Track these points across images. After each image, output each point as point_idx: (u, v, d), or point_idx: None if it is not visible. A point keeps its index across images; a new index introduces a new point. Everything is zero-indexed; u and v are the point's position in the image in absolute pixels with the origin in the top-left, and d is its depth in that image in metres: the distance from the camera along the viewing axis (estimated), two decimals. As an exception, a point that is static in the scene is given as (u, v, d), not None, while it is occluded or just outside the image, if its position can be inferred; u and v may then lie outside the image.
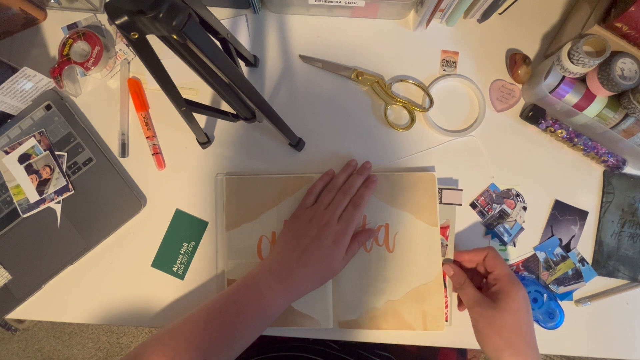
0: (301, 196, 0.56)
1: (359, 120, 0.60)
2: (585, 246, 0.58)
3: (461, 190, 0.58)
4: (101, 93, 0.60)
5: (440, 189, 0.57)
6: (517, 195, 0.58)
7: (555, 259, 0.57)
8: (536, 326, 0.54)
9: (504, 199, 0.58)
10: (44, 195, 0.56)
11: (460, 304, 0.55)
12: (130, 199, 0.57)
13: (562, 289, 0.57)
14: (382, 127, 0.59)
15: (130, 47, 0.60)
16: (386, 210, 0.56)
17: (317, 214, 0.52)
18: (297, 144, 0.57)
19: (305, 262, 0.49)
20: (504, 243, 0.57)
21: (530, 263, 0.57)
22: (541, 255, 0.57)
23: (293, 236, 0.52)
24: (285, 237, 0.53)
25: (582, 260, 0.57)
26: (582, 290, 0.57)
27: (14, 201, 0.56)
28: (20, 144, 0.57)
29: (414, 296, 0.55)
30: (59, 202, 0.56)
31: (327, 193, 0.54)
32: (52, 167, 0.57)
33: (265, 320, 0.49)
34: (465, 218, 0.58)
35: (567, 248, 0.57)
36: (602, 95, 0.54)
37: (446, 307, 0.55)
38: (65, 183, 0.56)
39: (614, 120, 0.54)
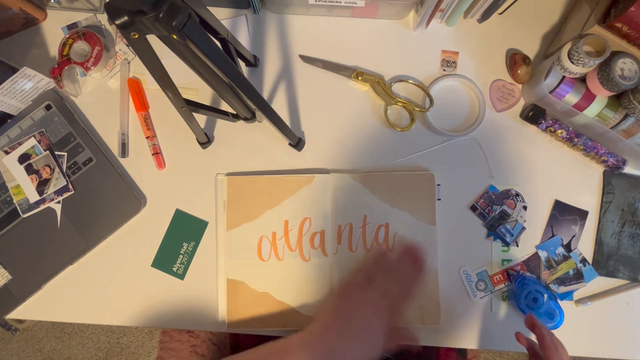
0: (302, 196, 0.56)
1: (359, 120, 0.60)
2: (585, 246, 0.58)
3: (439, 185, 0.58)
4: (101, 93, 0.60)
5: None
6: (517, 195, 0.58)
7: (557, 259, 0.57)
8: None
9: (504, 199, 0.58)
10: (44, 195, 0.56)
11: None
12: (130, 199, 0.57)
13: (562, 289, 0.57)
14: (382, 127, 0.59)
15: (130, 47, 0.60)
16: (386, 210, 0.56)
17: (368, 297, 0.48)
18: (297, 144, 0.57)
19: (349, 346, 0.44)
20: (506, 244, 0.57)
21: (531, 262, 0.57)
22: (543, 255, 0.57)
23: (341, 317, 0.46)
24: (331, 314, 0.47)
25: (584, 261, 0.57)
26: (582, 290, 0.57)
27: (14, 201, 0.56)
28: (20, 144, 0.57)
29: None
30: (59, 202, 0.56)
31: (377, 275, 0.50)
32: (52, 167, 0.57)
33: None
34: (466, 221, 0.58)
35: (567, 248, 0.57)
36: (602, 95, 0.54)
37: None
38: (65, 183, 0.56)
39: (614, 120, 0.54)
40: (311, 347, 0.44)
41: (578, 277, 0.57)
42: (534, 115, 0.57)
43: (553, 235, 0.57)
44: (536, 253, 0.57)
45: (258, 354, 0.46)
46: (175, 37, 0.33)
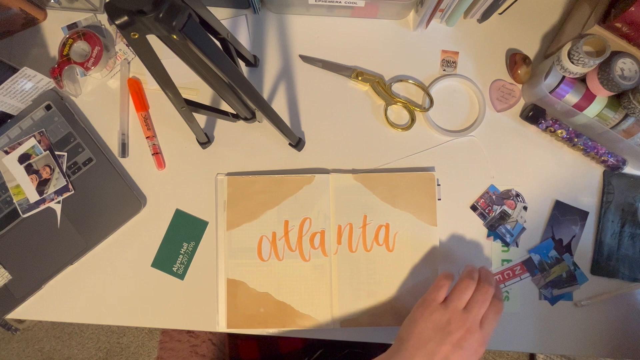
0: (302, 196, 0.56)
1: (359, 120, 0.60)
2: (585, 246, 0.58)
3: (439, 185, 0.58)
4: (101, 93, 0.60)
5: None
6: (517, 195, 0.58)
7: (549, 262, 0.57)
8: (533, 325, 0.54)
9: (504, 199, 0.58)
10: (44, 195, 0.56)
11: None
12: (130, 199, 0.57)
13: (556, 292, 0.56)
14: (382, 127, 0.59)
15: (130, 47, 0.60)
16: (387, 210, 0.56)
17: (455, 316, 0.46)
18: (297, 144, 0.57)
19: None
20: (506, 244, 0.57)
21: (528, 264, 0.57)
22: (536, 258, 0.57)
23: (428, 339, 0.45)
24: (417, 337, 0.46)
25: (576, 264, 0.57)
26: (582, 290, 0.57)
27: (14, 201, 0.56)
28: (20, 144, 0.57)
29: (412, 293, 0.55)
30: (59, 202, 0.56)
31: (464, 291, 0.48)
32: (52, 167, 0.57)
33: None
34: (467, 221, 0.58)
35: (567, 248, 0.57)
36: (602, 95, 0.54)
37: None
38: (65, 183, 0.56)
39: (614, 120, 0.54)
40: None
41: (571, 279, 0.57)
42: (534, 115, 0.57)
43: (548, 238, 0.57)
44: (530, 257, 0.57)
45: None
46: (175, 37, 0.33)
